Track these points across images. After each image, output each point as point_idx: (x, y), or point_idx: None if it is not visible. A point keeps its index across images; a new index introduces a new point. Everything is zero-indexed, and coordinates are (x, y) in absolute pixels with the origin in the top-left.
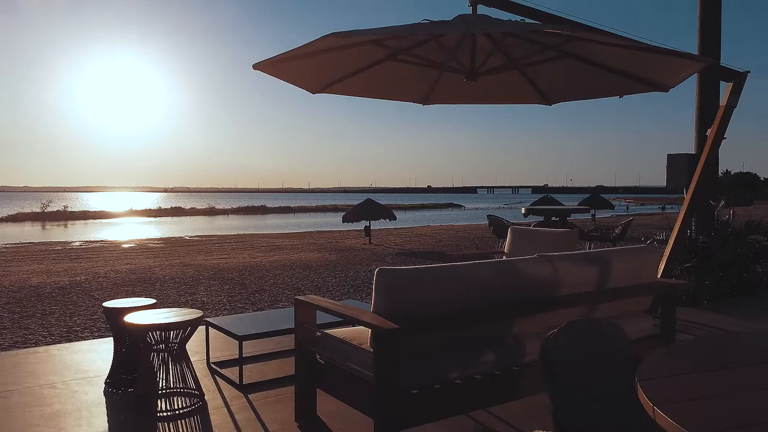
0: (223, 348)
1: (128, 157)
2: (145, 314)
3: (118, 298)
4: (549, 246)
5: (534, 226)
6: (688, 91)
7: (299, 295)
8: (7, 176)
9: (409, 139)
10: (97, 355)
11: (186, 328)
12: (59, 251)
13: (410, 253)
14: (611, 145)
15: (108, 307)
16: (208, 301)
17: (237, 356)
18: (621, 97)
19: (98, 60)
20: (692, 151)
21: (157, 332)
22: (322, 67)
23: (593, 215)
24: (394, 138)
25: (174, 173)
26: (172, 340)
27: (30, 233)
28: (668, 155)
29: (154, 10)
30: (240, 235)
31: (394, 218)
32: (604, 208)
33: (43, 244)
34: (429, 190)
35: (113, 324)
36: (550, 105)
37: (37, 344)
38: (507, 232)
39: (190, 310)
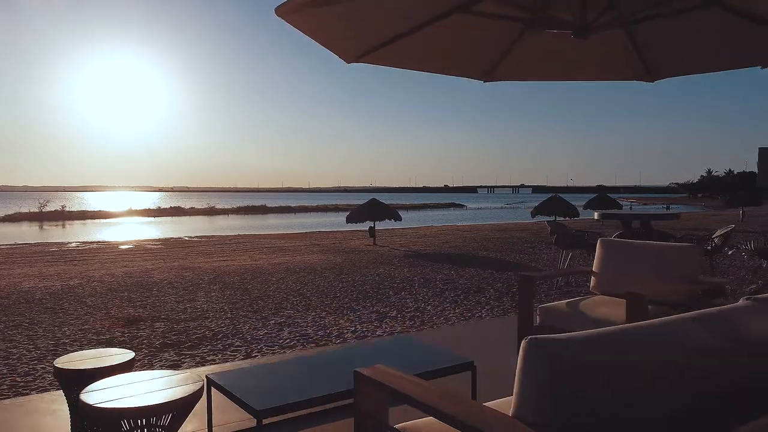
0: (232, 409)
1: (128, 157)
2: (116, 385)
3: (112, 303)
4: (663, 266)
5: (617, 236)
6: (687, 88)
7: (366, 370)
8: (7, 176)
9: (408, 138)
10: (53, 421)
11: (173, 411)
12: (54, 253)
13: (417, 254)
14: (611, 144)
15: (61, 370)
16: (208, 309)
17: (253, 425)
18: (764, 67)
19: (98, 60)
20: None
21: (134, 420)
22: (365, 22)
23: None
24: (393, 138)
25: (174, 173)
26: (156, 424)
27: (26, 234)
28: (761, 149)
29: (154, 10)
30: (241, 235)
31: (400, 219)
32: (612, 209)
33: (38, 245)
34: (446, 189)
35: (69, 394)
36: (653, 81)
37: (20, 360)
38: (577, 242)
39: (185, 374)
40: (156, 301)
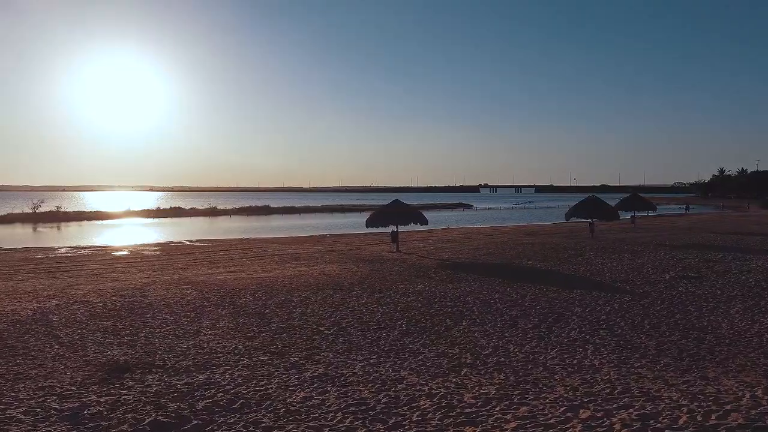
0: None
1: (129, 156)
2: None
3: (92, 338)
4: None
5: None
6: (691, 87)
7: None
8: (7, 175)
9: (409, 138)
10: None
11: None
12: (39, 261)
13: (453, 264)
14: (613, 143)
15: None
16: (217, 348)
17: None
18: None
19: (99, 59)
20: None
21: None
22: None
23: (633, 217)
24: (394, 137)
25: (174, 173)
26: None
27: (15, 237)
28: None
29: (155, 9)
30: (246, 239)
31: (426, 222)
32: (646, 210)
33: (24, 251)
34: (449, 189)
35: None
36: None
37: None
38: None
39: None
40: (150, 333)
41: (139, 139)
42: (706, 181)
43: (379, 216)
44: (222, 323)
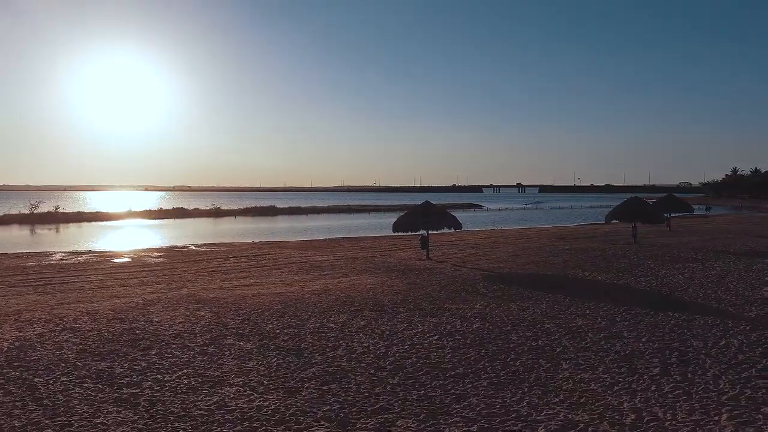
0: None
1: (130, 156)
2: None
3: (80, 391)
4: None
5: None
6: (689, 87)
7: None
8: (8, 175)
9: (410, 137)
10: None
11: None
12: (29, 270)
13: (500, 276)
14: (615, 143)
15: None
16: (251, 414)
17: None
18: None
19: (99, 58)
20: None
21: None
22: None
23: (668, 219)
24: (394, 136)
25: (175, 172)
26: None
27: (11, 240)
28: None
29: (155, 9)
30: (257, 244)
31: (460, 226)
32: (682, 212)
33: (16, 257)
34: (452, 189)
35: None
36: None
37: None
38: None
39: None
40: (157, 383)
41: (139, 139)
42: (718, 181)
43: (407, 219)
44: (249, 364)
